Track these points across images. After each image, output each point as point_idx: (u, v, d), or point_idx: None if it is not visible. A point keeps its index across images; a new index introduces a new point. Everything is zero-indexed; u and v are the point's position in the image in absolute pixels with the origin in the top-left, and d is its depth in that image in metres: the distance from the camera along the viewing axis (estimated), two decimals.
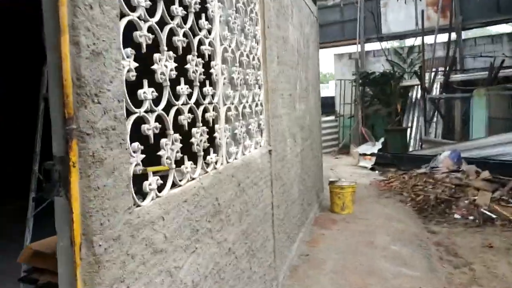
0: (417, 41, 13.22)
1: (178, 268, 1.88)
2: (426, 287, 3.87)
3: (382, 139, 11.88)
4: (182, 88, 2.04)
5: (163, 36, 1.88)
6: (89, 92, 1.32)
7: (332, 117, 14.13)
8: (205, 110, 2.37)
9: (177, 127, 2.04)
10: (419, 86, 11.76)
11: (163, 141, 1.83)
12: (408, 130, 11.70)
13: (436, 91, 11.50)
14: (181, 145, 1.98)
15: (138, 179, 1.71)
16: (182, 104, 2.05)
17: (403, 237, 5.21)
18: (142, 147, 1.63)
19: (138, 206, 1.62)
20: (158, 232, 1.71)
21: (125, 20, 1.58)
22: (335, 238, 5.12)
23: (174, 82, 2.04)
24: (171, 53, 1.94)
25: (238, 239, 2.71)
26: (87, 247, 1.32)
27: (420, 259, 4.56)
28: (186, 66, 2.14)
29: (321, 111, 7.61)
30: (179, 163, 2.04)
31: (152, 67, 1.79)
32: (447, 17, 11.98)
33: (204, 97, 2.35)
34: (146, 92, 1.70)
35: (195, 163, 2.21)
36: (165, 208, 1.78)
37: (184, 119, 2.04)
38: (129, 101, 1.57)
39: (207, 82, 2.39)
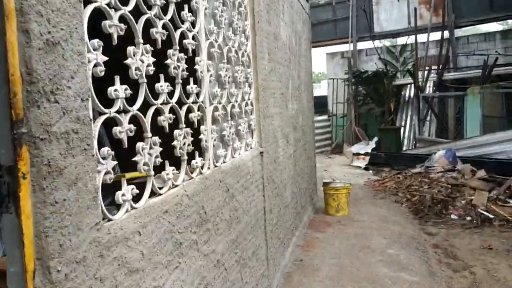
0: (410, 39, 13.11)
1: (159, 287, 1.67)
2: None
3: (375, 139, 11.74)
4: (162, 85, 1.84)
5: (139, 27, 1.68)
6: (43, 89, 1.11)
7: (325, 117, 13.97)
8: (189, 110, 2.16)
9: (158, 129, 1.84)
10: (412, 85, 11.64)
11: (139, 145, 1.63)
12: (402, 129, 11.58)
13: (429, 89, 11.39)
14: (160, 149, 1.78)
15: (115, 189, 1.51)
16: (162, 104, 1.84)
17: (400, 239, 5.04)
18: (113, 153, 1.43)
19: (109, 220, 1.42)
20: (134, 249, 1.50)
21: (91, 7, 1.37)
22: (330, 242, 4.94)
23: (155, 80, 1.83)
24: (148, 46, 1.73)
25: (228, 249, 2.51)
26: (42, 274, 1.11)
27: (418, 262, 4.40)
28: (166, 62, 1.94)
29: (314, 111, 7.43)
30: (161, 168, 1.84)
31: (126, 61, 1.59)
32: (439, 15, 11.88)
33: (187, 95, 2.14)
34: (118, 89, 1.49)
35: (178, 168, 2.00)
36: (142, 221, 1.57)
37: (164, 120, 1.83)
38: (96, 100, 1.37)
39: (191, 80, 2.19)
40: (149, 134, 1.69)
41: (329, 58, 14.70)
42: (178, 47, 2.02)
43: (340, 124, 13.72)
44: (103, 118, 1.40)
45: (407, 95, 12.10)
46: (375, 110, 12.81)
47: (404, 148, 11.21)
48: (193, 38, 2.24)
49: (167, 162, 1.86)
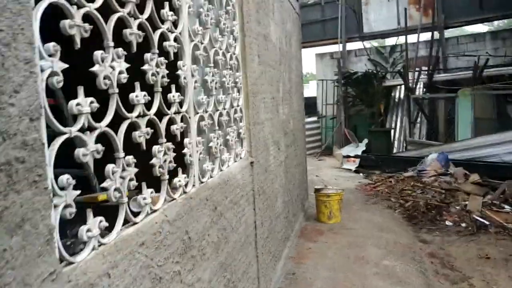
0: (399, 40, 12.99)
1: None
2: None
3: (365, 141, 11.59)
4: (138, 95, 1.58)
5: (108, 28, 1.42)
6: None
7: (314, 118, 13.76)
8: (171, 122, 1.91)
9: (133, 145, 1.58)
10: (402, 86, 11.51)
11: (109, 168, 1.37)
12: (392, 131, 11.44)
13: (419, 91, 11.27)
14: (135, 170, 1.52)
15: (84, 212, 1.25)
16: (138, 117, 1.58)
17: (395, 249, 4.84)
18: (74, 182, 1.17)
19: (70, 263, 1.16)
20: None
21: (44, 3, 1.11)
22: (323, 253, 4.71)
23: (130, 88, 1.58)
24: (120, 50, 1.48)
25: (216, 274, 2.26)
26: None
27: (415, 275, 4.20)
28: (143, 68, 1.68)
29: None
30: (138, 188, 1.59)
31: (92, 69, 1.33)
32: (429, 16, 11.79)
33: (169, 105, 1.89)
34: (81, 103, 1.24)
35: (159, 189, 1.75)
36: (113, 260, 1.31)
37: (141, 135, 1.58)
38: (51, 116, 1.11)
39: (173, 87, 1.93)
40: (121, 154, 1.44)
41: (318, 58, 14.51)
42: (157, 51, 1.77)
43: (329, 125, 13.53)
44: (61, 139, 1.14)
45: (397, 96, 11.97)
46: (365, 111, 12.65)
47: (395, 150, 11.08)
48: (175, 39, 1.98)
49: (144, 185, 1.60)
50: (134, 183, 1.50)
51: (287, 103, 5.02)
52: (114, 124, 1.48)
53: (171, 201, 1.84)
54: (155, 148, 1.70)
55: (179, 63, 2.03)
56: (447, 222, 5.90)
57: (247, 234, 2.95)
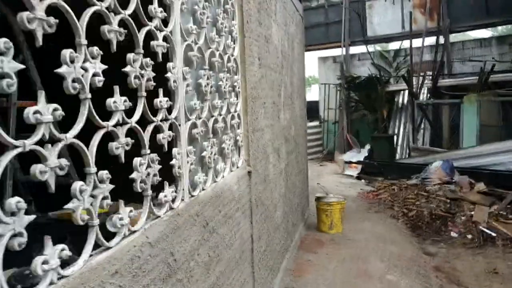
0: (403, 44, 12.78)
1: None
2: None
3: (367, 146, 11.37)
4: (116, 101, 1.38)
5: (81, 24, 1.22)
6: None
7: (316, 123, 13.56)
8: (157, 130, 1.71)
9: (109, 159, 1.38)
10: (406, 91, 11.30)
11: (76, 186, 1.17)
12: (395, 137, 11.23)
13: (423, 96, 11.05)
14: (111, 186, 1.32)
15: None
16: (115, 125, 1.39)
17: (399, 262, 4.62)
18: (25, 206, 0.97)
19: None
20: None
21: None
22: (324, 266, 4.50)
23: (107, 93, 1.39)
24: (96, 49, 1.28)
25: None
26: None
27: None
28: (125, 70, 1.48)
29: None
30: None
31: (58, 70, 1.13)
32: (434, 20, 11.58)
33: (155, 112, 1.69)
34: (41, 111, 1.04)
35: (140, 207, 1.55)
36: None
37: (118, 146, 1.38)
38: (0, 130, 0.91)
39: (161, 91, 1.73)
40: (93, 169, 1.24)
41: (321, 62, 14.31)
42: (142, 51, 1.57)
43: (331, 130, 13.33)
44: (10, 155, 0.94)
45: (400, 101, 11.76)
46: (368, 116, 12.44)
47: (397, 156, 10.86)
48: (165, 39, 1.79)
49: (121, 203, 1.40)
50: (108, 202, 1.30)
51: (289, 108, 4.82)
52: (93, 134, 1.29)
53: (155, 219, 1.64)
54: (136, 160, 1.50)
55: (169, 65, 1.83)
56: (452, 233, 5.69)
57: (243, 250, 2.75)
